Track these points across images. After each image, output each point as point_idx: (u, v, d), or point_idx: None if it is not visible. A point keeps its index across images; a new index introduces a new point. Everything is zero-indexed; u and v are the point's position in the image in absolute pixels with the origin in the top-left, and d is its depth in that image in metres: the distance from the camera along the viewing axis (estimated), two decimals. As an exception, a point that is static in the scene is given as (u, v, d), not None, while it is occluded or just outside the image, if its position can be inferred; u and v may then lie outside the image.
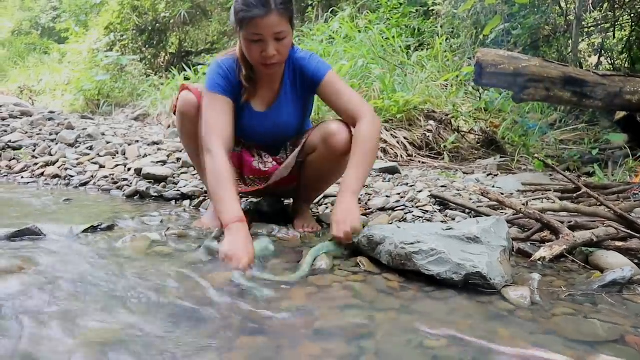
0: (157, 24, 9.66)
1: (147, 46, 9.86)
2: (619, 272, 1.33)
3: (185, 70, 7.13)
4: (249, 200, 2.25)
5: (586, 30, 5.65)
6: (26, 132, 3.66)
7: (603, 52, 5.59)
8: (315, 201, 2.20)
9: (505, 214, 1.98)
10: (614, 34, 5.47)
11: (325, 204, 2.27)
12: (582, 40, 5.67)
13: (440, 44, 5.23)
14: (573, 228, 1.70)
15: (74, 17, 11.24)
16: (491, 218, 1.55)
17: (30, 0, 15.69)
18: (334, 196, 2.24)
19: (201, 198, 2.32)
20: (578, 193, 2.14)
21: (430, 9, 6.48)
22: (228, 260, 1.35)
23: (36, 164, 3.04)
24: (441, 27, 6.01)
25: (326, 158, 1.72)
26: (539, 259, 1.51)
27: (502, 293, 1.24)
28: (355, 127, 1.66)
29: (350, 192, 1.55)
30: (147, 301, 1.10)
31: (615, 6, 5.23)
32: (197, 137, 1.76)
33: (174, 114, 1.87)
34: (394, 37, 5.24)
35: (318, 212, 2.15)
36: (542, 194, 2.38)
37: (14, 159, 3.18)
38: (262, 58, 1.56)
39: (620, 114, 3.70)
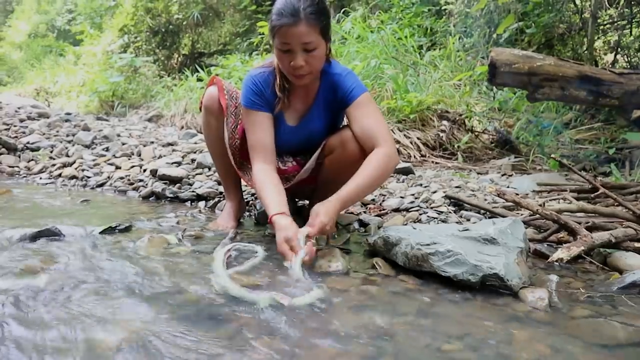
0: (170, 26, 9.75)
1: (160, 48, 9.95)
2: (639, 274, 1.32)
3: (197, 72, 7.19)
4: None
5: (602, 27, 5.57)
6: (44, 134, 3.71)
7: (619, 49, 5.51)
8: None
9: (521, 214, 1.97)
10: (630, 31, 5.38)
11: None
12: (598, 38, 5.60)
13: (453, 43, 5.20)
14: (591, 229, 1.68)
15: (89, 19, 11.39)
16: (507, 219, 1.54)
17: (46, 4, 15.92)
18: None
19: (216, 199, 2.34)
20: (596, 193, 2.12)
21: (443, 8, 6.44)
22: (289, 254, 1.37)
23: (54, 165, 3.08)
24: (454, 26, 5.97)
25: (342, 161, 1.72)
26: (556, 260, 1.50)
27: (519, 295, 1.23)
28: (371, 151, 1.59)
29: (336, 197, 1.51)
30: (166, 301, 1.11)
31: (632, 3, 5.15)
32: (220, 135, 1.83)
33: (200, 109, 1.91)
34: (406, 36, 5.22)
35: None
36: (558, 194, 2.36)
37: (32, 160, 3.23)
38: (291, 68, 1.55)
39: (637, 113, 3.63)
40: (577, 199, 2.19)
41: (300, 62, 1.52)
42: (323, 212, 1.46)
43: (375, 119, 1.64)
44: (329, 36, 1.59)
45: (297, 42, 1.50)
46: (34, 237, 1.55)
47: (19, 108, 4.67)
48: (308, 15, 1.47)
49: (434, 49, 5.67)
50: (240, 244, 1.57)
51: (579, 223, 1.69)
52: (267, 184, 1.59)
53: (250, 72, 1.74)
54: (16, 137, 3.57)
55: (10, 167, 3.10)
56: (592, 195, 2.18)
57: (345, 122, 1.85)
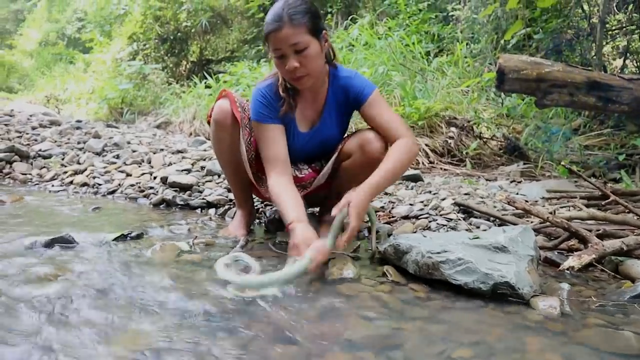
0: (179, 33, 9.83)
1: (168, 55, 10.03)
2: (651, 283, 1.31)
3: (206, 79, 7.24)
4: (274, 209, 2.26)
5: (610, 32, 5.55)
6: (55, 141, 3.76)
7: (628, 55, 5.48)
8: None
9: (532, 222, 1.96)
10: (639, 36, 5.36)
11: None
12: (606, 43, 5.57)
13: (461, 49, 5.20)
14: (602, 236, 1.67)
15: (99, 27, 11.52)
16: (518, 227, 1.54)
17: (57, 12, 16.13)
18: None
19: (226, 207, 2.36)
20: (606, 200, 2.11)
21: (450, 14, 6.45)
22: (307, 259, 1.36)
23: (65, 172, 3.12)
24: (461, 32, 5.97)
25: (361, 165, 1.72)
26: (567, 269, 1.49)
27: (530, 303, 1.23)
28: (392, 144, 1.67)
29: (370, 183, 1.53)
30: (179, 309, 1.12)
31: (641, 8, 5.13)
32: (232, 147, 1.81)
33: (208, 123, 1.88)
34: (413, 43, 5.23)
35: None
36: (568, 201, 2.35)
37: (44, 167, 3.27)
38: (288, 72, 1.58)
39: (647, 119, 3.62)
40: (587, 206, 2.18)
41: (293, 64, 1.54)
42: (354, 201, 1.47)
43: (391, 113, 1.72)
44: (320, 34, 1.59)
45: (286, 46, 1.53)
46: (48, 245, 1.57)
47: (30, 116, 4.73)
48: (291, 17, 1.51)
49: (442, 56, 5.68)
50: (242, 255, 1.52)
51: (590, 231, 1.68)
52: (283, 194, 1.61)
53: (257, 85, 1.76)
54: (28, 144, 3.62)
55: (22, 174, 3.14)
56: (603, 203, 2.17)
57: (352, 126, 1.86)
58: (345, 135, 1.89)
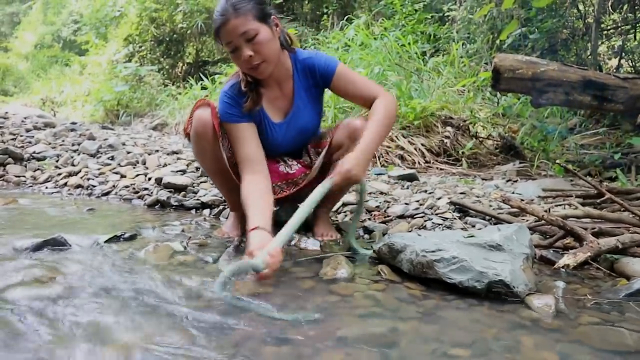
0: (175, 35, 9.81)
1: (164, 57, 10.01)
2: (646, 280, 1.30)
3: (202, 80, 7.24)
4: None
5: (605, 32, 5.57)
6: (49, 143, 3.74)
7: (623, 54, 5.50)
8: (334, 209, 2.20)
9: (527, 220, 1.96)
10: (634, 36, 5.38)
11: (345, 212, 2.27)
12: (602, 43, 5.59)
13: (457, 49, 5.21)
14: (597, 234, 1.67)
15: (94, 29, 11.48)
16: (513, 225, 1.53)
17: (52, 15, 16.09)
18: (354, 204, 2.24)
19: (221, 207, 2.35)
20: (602, 199, 2.11)
21: (446, 14, 6.46)
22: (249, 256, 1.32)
23: (59, 174, 3.10)
24: (457, 32, 5.98)
25: None
26: (562, 267, 1.49)
27: (525, 301, 1.22)
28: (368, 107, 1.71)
29: (360, 148, 1.55)
30: (172, 310, 1.11)
31: (636, 7, 5.15)
32: (216, 155, 1.74)
33: (187, 136, 1.81)
34: (409, 43, 5.23)
35: (337, 220, 2.16)
36: (564, 200, 2.35)
37: (38, 169, 3.25)
38: (244, 63, 1.58)
39: (642, 118, 3.62)
40: (583, 204, 2.18)
41: (247, 53, 1.55)
42: (346, 161, 1.50)
43: (361, 80, 1.76)
44: (269, 19, 1.60)
45: (236, 36, 1.53)
46: (40, 247, 1.55)
47: (25, 118, 4.71)
48: (235, 7, 1.52)
49: (438, 56, 5.69)
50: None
51: (585, 229, 1.68)
52: (251, 196, 1.57)
53: (223, 88, 1.76)
54: (22, 146, 3.60)
55: (16, 176, 3.13)
56: (598, 201, 2.16)
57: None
58: (324, 119, 1.88)
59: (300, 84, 1.76)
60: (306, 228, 1.95)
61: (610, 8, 5.16)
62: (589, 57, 4.89)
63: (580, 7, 5.46)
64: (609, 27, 5.57)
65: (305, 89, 1.77)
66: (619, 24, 5.51)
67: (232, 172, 1.76)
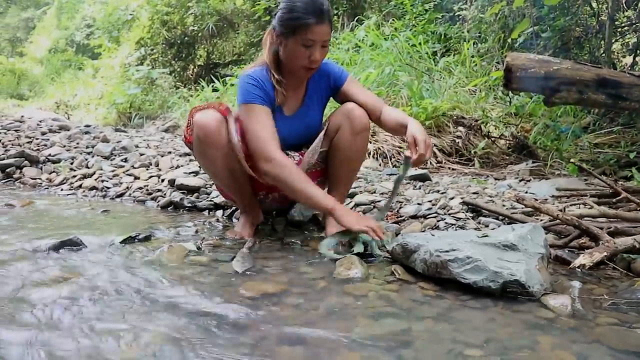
0: (186, 37, 9.88)
1: (176, 59, 10.08)
2: (664, 280, 1.29)
3: (213, 82, 7.28)
4: (297, 209, 2.21)
5: (619, 30, 5.49)
6: (64, 146, 3.79)
7: (638, 52, 5.42)
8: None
9: (541, 220, 1.94)
10: (649, 33, 5.30)
11: (353, 209, 2.27)
12: (616, 40, 5.51)
13: (468, 49, 5.17)
14: (613, 234, 1.65)
15: (107, 33, 11.62)
16: (527, 225, 1.52)
17: (66, 19, 16.30)
18: (363, 204, 2.24)
19: (233, 208, 2.36)
20: (617, 198, 2.08)
21: (457, 14, 6.42)
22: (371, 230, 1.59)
23: (74, 176, 3.14)
24: (468, 31, 5.94)
25: (351, 132, 1.81)
26: (578, 267, 1.47)
27: (541, 301, 1.22)
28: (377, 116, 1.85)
29: (412, 119, 1.72)
30: (188, 310, 1.12)
31: (650, 4, 5.07)
32: (223, 153, 1.74)
33: (187, 143, 1.85)
34: (420, 43, 5.21)
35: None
36: (578, 199, 2.32)
37: (53, 171, 3.30)
38: (308, 61, 1.69)
39: (658, 116, 3.57)
40: (598, 203, 2.15)
41: (319, 56, 1.69)
42: (418, 131, 1.64)
43: (369, 92, 1.98)
44: None
45: (320, 39, 1.67)
46: (57, 248, 1.57)
47: (40, 121, 4.77)
48: (330, 15, 1.68)
49: (449, 55, 5.65)
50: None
51: (601, 228, 1.66)
52: (295, 170, 1.68)
53: (245, 72, 1.81)
54: (38, 149, 3.65)
55: (32, 179, 3.17)
56: (614, 200, 2.14)
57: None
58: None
59: (312, 85, 1.90)
60: (319, 227, 1.95)
61: (624, 5, 5.08)
62: (603, 55, 4.83)
63: (594, 4, 5.39)
64: (623, 25, 5.49)
65: (317, 91, 1.91)
66: (634, 21, 5.44)
67: (245, 161, 1.73)
